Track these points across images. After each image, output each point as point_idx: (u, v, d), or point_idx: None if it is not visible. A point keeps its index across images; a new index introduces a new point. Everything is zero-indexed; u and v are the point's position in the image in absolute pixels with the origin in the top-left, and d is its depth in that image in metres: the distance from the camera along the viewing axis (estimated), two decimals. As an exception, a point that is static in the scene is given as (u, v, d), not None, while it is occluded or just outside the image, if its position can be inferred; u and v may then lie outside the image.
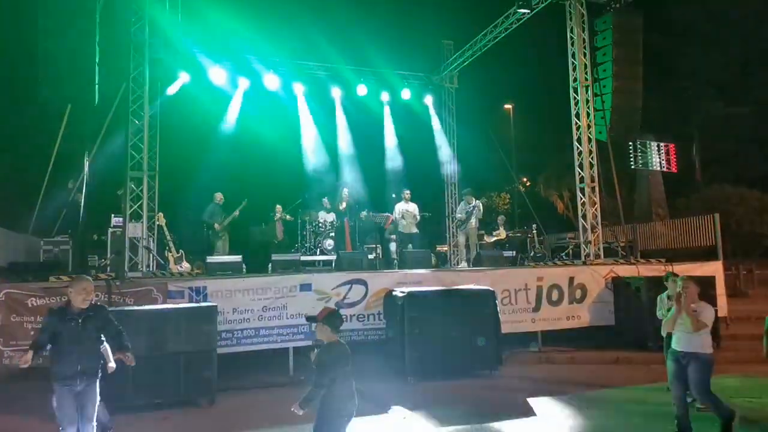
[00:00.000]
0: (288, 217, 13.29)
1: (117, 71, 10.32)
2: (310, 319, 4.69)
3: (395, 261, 12.38)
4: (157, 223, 11.47)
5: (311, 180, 15.80)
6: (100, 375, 4.81)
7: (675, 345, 5.67)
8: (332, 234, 13.19)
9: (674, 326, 5.62)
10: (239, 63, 14.43)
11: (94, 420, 4.77)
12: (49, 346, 4.65)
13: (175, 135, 13.43)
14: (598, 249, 11.63)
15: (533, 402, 7.12)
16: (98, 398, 4.79)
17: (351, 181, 15.87)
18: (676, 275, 7.76)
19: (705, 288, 10.03)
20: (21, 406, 7.02)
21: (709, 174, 26.45)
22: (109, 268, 10.01)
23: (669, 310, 7.17)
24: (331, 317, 4.50)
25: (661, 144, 19.44)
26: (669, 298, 7.38)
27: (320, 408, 4.33)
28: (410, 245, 12.50)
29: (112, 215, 11.69)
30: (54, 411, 4.64)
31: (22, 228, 11.42)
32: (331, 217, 13.35)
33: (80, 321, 4.68)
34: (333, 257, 12.22)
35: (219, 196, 12.49)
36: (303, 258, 11.42)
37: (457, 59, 15.72)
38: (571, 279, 10.22)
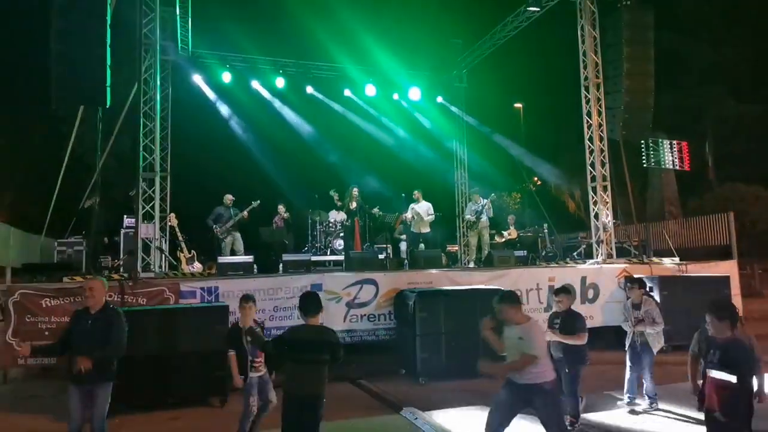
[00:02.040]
0: (286, 216, 13.03)
1: (128, 73, 10.38)
2: None
3: (406, 261, 12.36)
4: (169, 223, 11.54)
5: (321, 180, 15.81)
6: (112, 375, 4.87)
7: (512, 375, 4.58)
8: (342, 234, 13.12)
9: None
10: (249, 65, 14.50)
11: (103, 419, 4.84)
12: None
13: (186, 136, 13.52)
14: (611, 248, 11.53)
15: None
16: (108, 398, 4.84)
17: (361, 180, 15.87)
18: (634, 281, 6.93)
19: (719, 288, 10.04)
20: (34, 405, 7.11)
21: (722, 172, 26.10)
22: (121, 269, 10.08)
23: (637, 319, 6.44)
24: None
25: (674, 142, 19.15)
26: (634, 306, 6.64)
27: None
28: (421, 245, 12.47)
29: (125, 216, 11.79)
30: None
31: (36, 229, 11.53)
32: (341, 216, 13.28)
33: (89, 321, 4.79)
34: (342, 257, 12.11)
35: (228, 198, 12.21)
36: (313, 258, 11.43)
37: (467, 58, 15.67)
38: (584, 279, 10.15)
